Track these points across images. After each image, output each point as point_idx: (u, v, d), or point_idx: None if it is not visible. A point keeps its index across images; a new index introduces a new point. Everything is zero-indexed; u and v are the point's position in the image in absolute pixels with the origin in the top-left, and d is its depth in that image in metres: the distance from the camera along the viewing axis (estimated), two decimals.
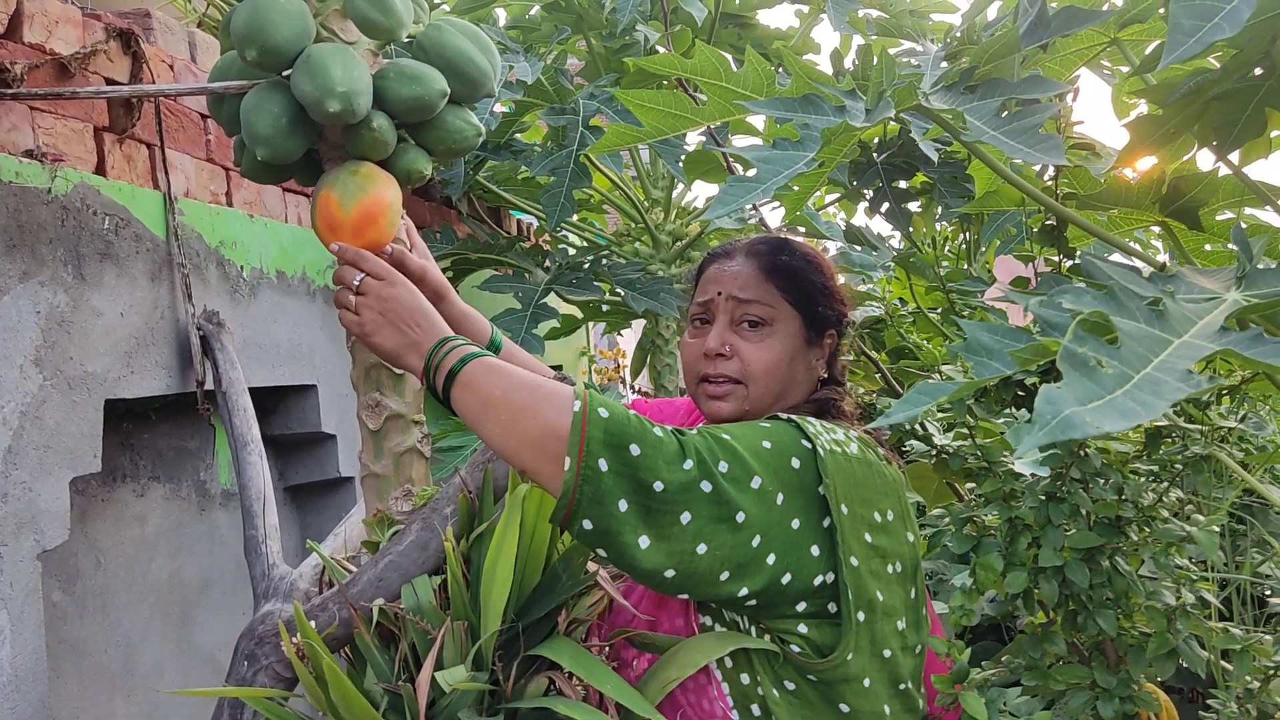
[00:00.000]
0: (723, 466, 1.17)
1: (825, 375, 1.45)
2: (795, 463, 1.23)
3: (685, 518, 1.14)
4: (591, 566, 1.41)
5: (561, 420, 1.15)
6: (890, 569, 1.28)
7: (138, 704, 1.86)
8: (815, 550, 1.22)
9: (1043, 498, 1.37)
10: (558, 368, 4.18)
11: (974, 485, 1.51)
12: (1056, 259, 1.53)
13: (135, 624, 1.89)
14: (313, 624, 1.42)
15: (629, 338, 5.72)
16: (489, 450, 1.47)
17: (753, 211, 2.19)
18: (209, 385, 1.86)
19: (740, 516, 1.17)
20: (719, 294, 1.42)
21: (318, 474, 2.42)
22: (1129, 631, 1.41)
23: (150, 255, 1.79)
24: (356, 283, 1.35)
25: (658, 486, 1.14)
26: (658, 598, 1.39)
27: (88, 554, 1.78)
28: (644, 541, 1.14)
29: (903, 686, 1.30)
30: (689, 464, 1.16)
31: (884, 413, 1.01)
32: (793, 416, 1.29)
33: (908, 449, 1.68)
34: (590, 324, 4.00)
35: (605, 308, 3.47)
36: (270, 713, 1.41)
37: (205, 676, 2.06)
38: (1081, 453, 1.38)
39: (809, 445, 1.24)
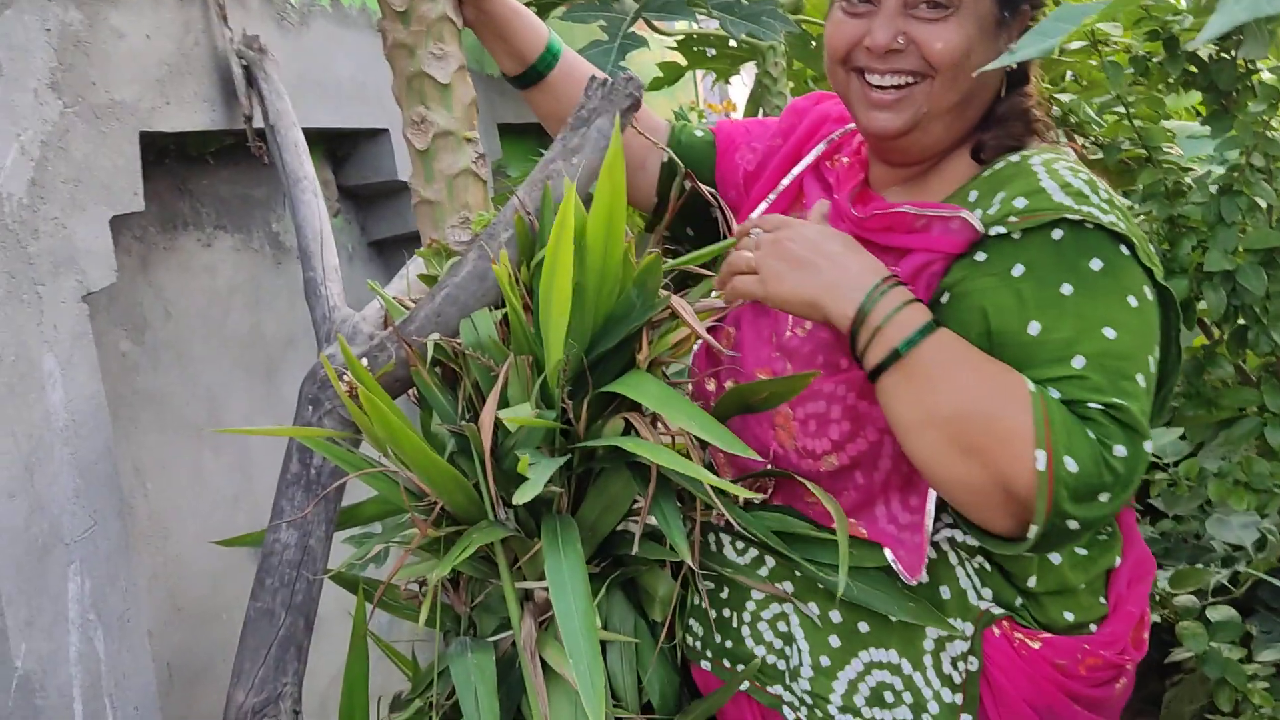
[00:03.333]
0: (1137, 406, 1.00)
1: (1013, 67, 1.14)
2: (1152, 318, 1.05)
3: (1104, 497, 0.98)
4: (664, 291, 1.23)
5: (1021, 473, 0.96)
6: None
7: (227, 455, 1.83)
8: None
9: (1213, 190, 1.12)
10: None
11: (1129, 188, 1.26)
12: None
13: (217, 377, 1.83)
14: (365, 363, 1.31)
15: (740, 91, 5.35)
16: (558, 174, 1.29)
17: None
18: (257, 122, 1.70)
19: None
20: None
21: (400, 227, 2.28)
22: None
23: None
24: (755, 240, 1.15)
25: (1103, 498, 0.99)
26: (830, 353, 1.18)
27: (154, 303, 1.70)
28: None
29: None
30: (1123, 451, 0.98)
31: (1012, 50, 0.77)
32: (1100, 223, 1.01)
33: None
34: (698, 74, 3.69)
35: (711, 52, 3.16)
36: (332, 454, 1.32)
37: None
38: (1266, 133, 1.11)
39: (1143, 268, 1.04)
